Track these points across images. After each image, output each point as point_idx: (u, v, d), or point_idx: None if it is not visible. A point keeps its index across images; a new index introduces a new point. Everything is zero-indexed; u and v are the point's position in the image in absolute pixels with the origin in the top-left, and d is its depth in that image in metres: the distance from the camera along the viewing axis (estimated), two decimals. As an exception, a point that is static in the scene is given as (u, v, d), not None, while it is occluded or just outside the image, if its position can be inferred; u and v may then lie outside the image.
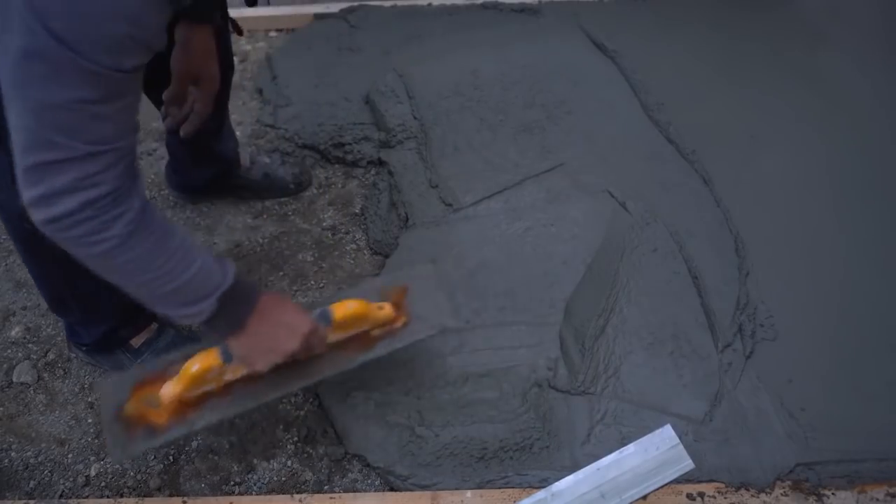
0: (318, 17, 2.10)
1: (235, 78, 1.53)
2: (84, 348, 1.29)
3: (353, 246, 1.53)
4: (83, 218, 0.77)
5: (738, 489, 1.10)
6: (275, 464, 1.18)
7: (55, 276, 1.14)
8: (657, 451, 1.13)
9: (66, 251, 0.84)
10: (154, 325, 1.30)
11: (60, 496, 1.15)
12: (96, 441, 1.22)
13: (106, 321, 1.23)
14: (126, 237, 0.81)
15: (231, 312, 0.93)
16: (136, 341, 1.28)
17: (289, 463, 1.18)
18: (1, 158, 0.86)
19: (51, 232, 0.79)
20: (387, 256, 1.47)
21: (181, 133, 1.16)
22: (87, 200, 0.77)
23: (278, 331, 0.98)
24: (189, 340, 1.28)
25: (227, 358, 1.00)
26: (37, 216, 0.78)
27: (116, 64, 0.71)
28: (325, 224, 1.58)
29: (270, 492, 1.15)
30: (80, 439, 1.22)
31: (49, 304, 1.24)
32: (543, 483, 1.11)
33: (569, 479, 1.10)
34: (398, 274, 1.31)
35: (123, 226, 0.80)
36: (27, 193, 0.77)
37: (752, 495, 1.10)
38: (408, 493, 1.12)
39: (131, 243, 0.82)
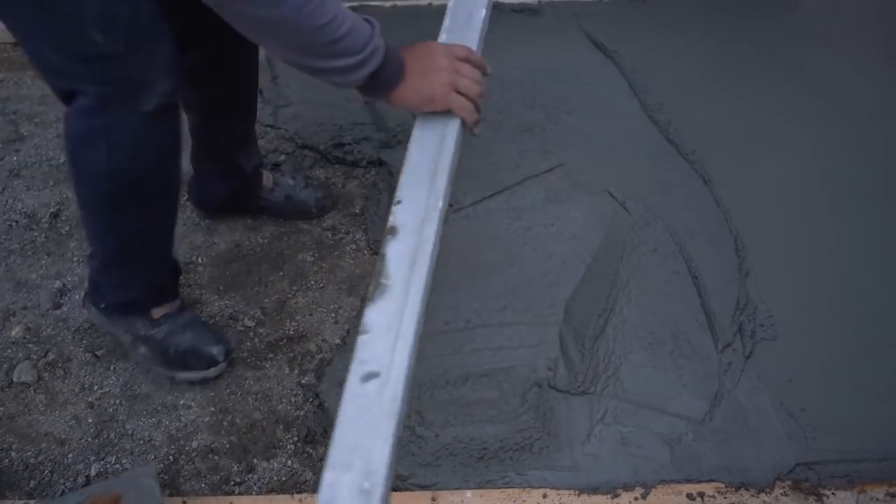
0: (318, 17, 2.10)
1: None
2: (102, 306, 1.27)
3: (353, 246, 1.53)
4: None
5: (738, 489, 1.10)
6: (275, 464, 1.18)
7: (114, 238, 1.15)
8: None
9: (141, 209, 1.05)
10: (178, 302, 1.31)
11: (60, 496, 1.15)
12: (96, 441, 1.22)
13: (139, 291, 1.25)
14: None
15: (392, 56, 0.92)
16: (157, 312, 1.28)
17: (289, 463, 1.18)
18: (102, 114, 0.96)
19: None
20: (387, 256, 1.47)
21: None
22: None
23: (433, 61, 0.95)
24: (204, 326, 1.30)
25: None
26: None
27: None
28: (325, 224, 1.58)
29: (270, 492, 1.15)
30: (80, 439, 1.22)
31: (94, 261, 1.22)
32: (543, 483, 1.11)
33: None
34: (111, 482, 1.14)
35: None
36: None
37: (752, 495, 1.10)
38: (408, 493, 1.12)
39: None
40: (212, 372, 1.27)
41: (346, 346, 1.32)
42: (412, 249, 0.83)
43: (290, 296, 1.43)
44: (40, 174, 1.68)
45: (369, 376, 0.76)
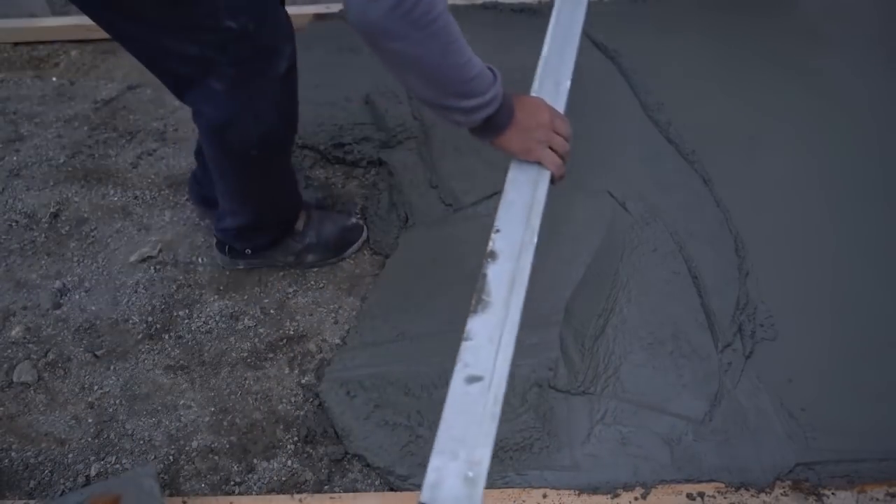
0: (318, 17, 2.10)
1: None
2: (248, 252, 1.42)
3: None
4: (414, 5, 0.87)
5: (738, 489, 1.10)
6: (275, 464, 1.18)
7: (267, 190, 1.32)
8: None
9: (283, 158, 1.27)
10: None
11: (60, 496, 1.15)
12: (96, 441, 1.22)
13: (287, 222, 1.42)
14: (445, 10, 0.90)
15: (502, 108, 1.02)
16: (299, 225, 1.44)
17: (289, 463, 1.18)
18: (242, 90, 1.07)
19: (393, 20, 0.88)
20: (387, 256, 1.47)
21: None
22: None
23: (536, 117, 1.07)
24: (326, 208, 1.50)
25: None
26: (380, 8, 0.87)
27: None
28: (325, 224, 1.57)
29: (270, 492, 1.15)
30: (80, 439, 1.22)
31: (235, 218, 1.35)
32: (543, 483, 1.11)
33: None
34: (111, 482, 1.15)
35: (450, 17, 0.91)
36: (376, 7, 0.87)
37: (752, 495, 1.10)
38: (408, 493, 1.12)
39: (448, 18, 0.91)
40: (365, 233, 1.50)
41: (346, 345, 1.33)
42: (511, 273, 0.98)
43: (290, 296, 1.43)
44: (40, 174, 1.68)
45: (473, 379, 0.86)
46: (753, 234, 1.44)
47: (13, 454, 1.21)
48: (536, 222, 1.05)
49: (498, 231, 1.03)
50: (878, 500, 1.09)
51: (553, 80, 1.25)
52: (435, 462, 0.77)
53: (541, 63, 1.27)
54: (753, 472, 1.12)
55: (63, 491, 1.16)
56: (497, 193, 1.55)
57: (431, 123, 1.66)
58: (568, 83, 1.24)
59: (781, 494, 1.10)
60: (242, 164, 1.24)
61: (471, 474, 0.77)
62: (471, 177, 1.56)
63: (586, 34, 1.96)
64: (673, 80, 1.80)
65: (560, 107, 1.18)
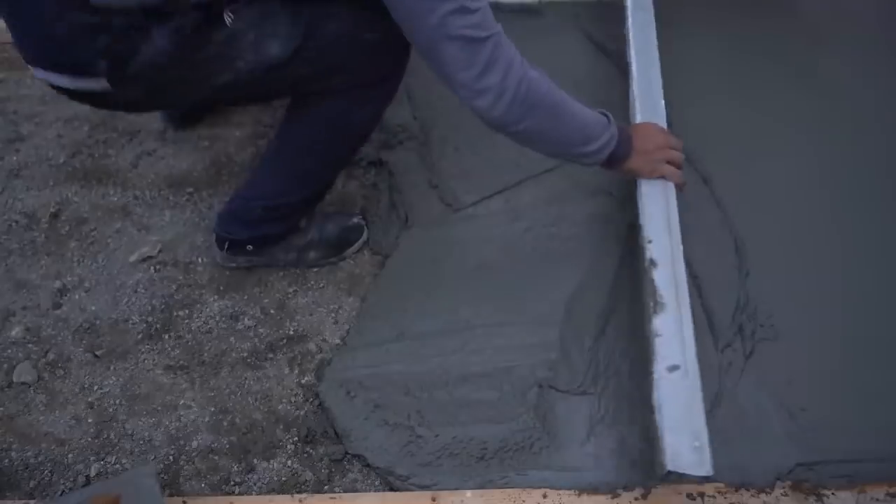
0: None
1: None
2: (250, 248, 1.41)
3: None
4: (524, 87, 1.09)
5: (738, 489, 1.10)
6: (275, 464, 1.18)
7: (322, 182, 1.41)
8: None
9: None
10: None
11: (60, 496, 1.15)
12: (96, 441, 1.22)
13: (305, 215, 1.45)
14: (549, 84, 1.14)
15: (622, 138, 1.23)
16: (302, 221, 1.45)
17: (289, 463, 1.18)
18: (360, 102, 1.24)
19: (513, 111, 1.10)
20: (387, 256, 1.47)
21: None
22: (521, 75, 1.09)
23: (654, 140, 1.30)
24: (324, 209, 1.49)
25: None
26: (500, 106, 1.10)
27: None
28: (325, 224, 1.57)
29: (270, 492, 1.15)
30: (80, 439, 1.22)
31: (256, 202, 1.37)
32: (543, 483, 1.11)
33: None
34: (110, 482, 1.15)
35: (548, 84, 1.14)
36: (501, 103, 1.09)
37: (752, 495, 1.09)
38: (408, 493, 1.12)
39: (550, 86, 1.14)
40: (365, 233, 1.49)
41: (346, 345, 1.33)
42: (672, 276, 1.18)
43: (290, 296, 1.43)
44: (40, 174, 1.68)
45: (673, 368, 1.07)
46: (753, 234, 1.44)
47: (13, 454, 1.21)
48: (677, 231, 1.25)
49: (651, 241, 1.23)
50: (878, 500, 1.08)
51: (650, 102, 1.48)
52: (668, 439, 0.99)
53: (633, 88, 1.52)
54: (753, 472, 1.12)
55: (63, 491, 1.16)
56: (497, 193, 1.56)
57: (431, 124, 1.66)
58: (662, 101, 1.47)
59: (781, 494, 1.09)
60: (330, 162, 1.36)
61: (697, 444, 0.98)
62: (471, 177, 1.56)
63: (586, 34, 1.96)
64: (673, 80, 1.80)
65: (662, 123, 1.41)
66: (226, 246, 1.42)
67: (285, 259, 1.45)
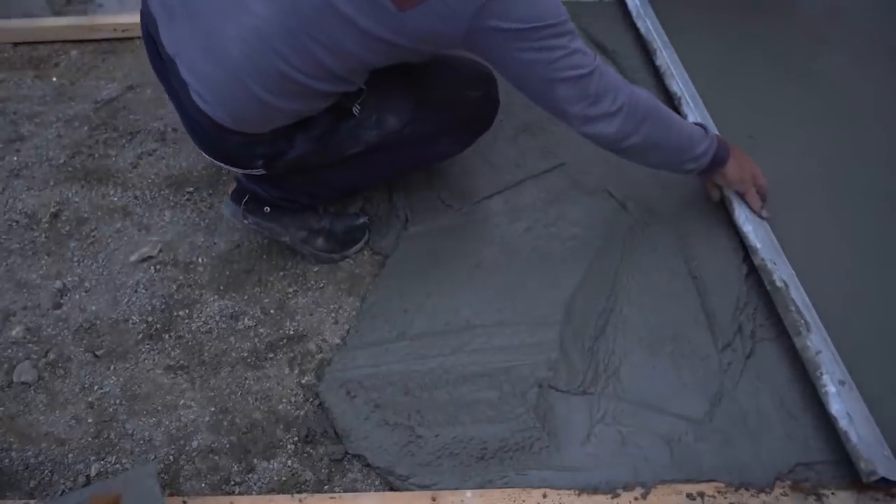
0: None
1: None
2: (267, 210, 1.40)
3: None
4: (632, 103, 1.20)
5: (738, 489, 1.10)
6: (275, 464, 1.18)
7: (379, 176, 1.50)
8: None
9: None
10: None
11: (60, 496, 1.15)
12: (96, 441, 1.22)
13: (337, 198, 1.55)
14: (650, 98, 1.25)
15: (720, 143, 1.34)
16: (319, 209, 1.51)
17: (289, 463, 1.18)
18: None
19: (625, 127, 1.20)
20: (387, 256, 1.47)
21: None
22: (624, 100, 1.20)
23: (748, 158, 1.41)
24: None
25: None
26: (610, 128, 1.20)
27: None
28: (325, 224, 1.57)
29: (270, 492, 1.15)
30: (80, 439, 1.22)
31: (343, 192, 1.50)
32: (543, 483, 1.11)
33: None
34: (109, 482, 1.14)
35: (649, 95, 1.25)
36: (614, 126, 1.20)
37: (752, 495, 1.10)
38: (408, 493, 1.12)
39: (650, 97, 1.24)
40: (367, 234, 1.51)
41: (346, 345, 1.33)
42: (802, 298, 1.28)
43: (290, 296, 1.43)
44: (40, 174, 1.68)
45: (841, 382, 1.15)
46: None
47: (13, 454, 1.21)
48: (786, 260, 1.35)
49: (774, 264, 1.32)
50: (878, 500, 1.08)
51: (694, 101, 1.67)
52: (868, 452, 1.06)
53: (673, 87, 1.72)
54: (753, 472, 1.12)
55: (63, 491, 1.16)
56: (497, 193, 1.56)
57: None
58: (714, 127, 1.58)
59: (781, 494, 1.10)
60: (415, 168, 1.52)
61: (886, 452, 1.08)
62: (471, 177, 1.56)
63: (586, 34, 1.96)
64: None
65: (709, 121, 1.58)
66: (245, 200, 1.38)
67: (294, 236, 1.43)
